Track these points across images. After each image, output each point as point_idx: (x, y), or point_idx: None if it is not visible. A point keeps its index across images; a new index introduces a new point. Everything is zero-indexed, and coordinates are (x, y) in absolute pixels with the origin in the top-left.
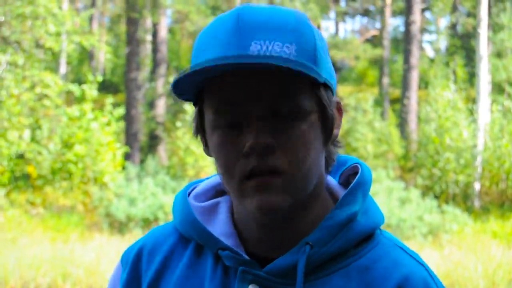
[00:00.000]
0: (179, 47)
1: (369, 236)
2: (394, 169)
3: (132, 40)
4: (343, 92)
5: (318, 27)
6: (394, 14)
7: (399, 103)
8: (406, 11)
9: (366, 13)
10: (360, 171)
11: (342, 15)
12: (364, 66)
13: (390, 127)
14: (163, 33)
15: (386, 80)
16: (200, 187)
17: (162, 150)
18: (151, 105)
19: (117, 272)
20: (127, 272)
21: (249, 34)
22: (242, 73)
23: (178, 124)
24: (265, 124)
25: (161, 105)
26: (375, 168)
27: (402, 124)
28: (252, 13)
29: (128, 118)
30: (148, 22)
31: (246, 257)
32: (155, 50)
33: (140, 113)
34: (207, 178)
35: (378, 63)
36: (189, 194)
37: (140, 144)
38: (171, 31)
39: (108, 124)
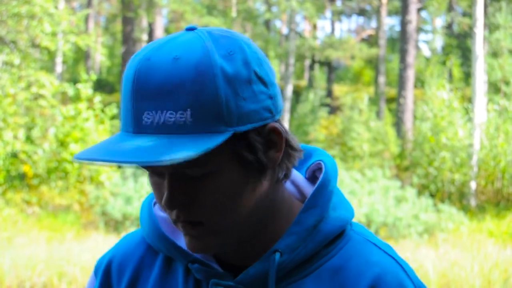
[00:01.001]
0: None
1: (341, 234)
2: (390, 168)
3: (128, 40)
4: (339, 91)
5: (314, 26)
6: (390, 13)
7: (395, 102)
8: (402, 11)
9: (362, 12)
10: (323, 168)
11: (338, 15)
12: (360, 65)
13: (386, 126)
14: (158, 32)
15: (382, 79)
16: None
17: None
18: None
19: (91, 282)
20: (99, 283)
21: (142, 102)
22: None
23: None
24: (179, 183)
25: None
26: (371, 167)
27: (398, 123)
28: (147, 76)
29: None
30: (144, 21)
31: (218, 268)
32: None
33: None
34: None
35: (374, 62)
36: (154, 204)
37: None
38: (166, 30)
39: (102, 122)
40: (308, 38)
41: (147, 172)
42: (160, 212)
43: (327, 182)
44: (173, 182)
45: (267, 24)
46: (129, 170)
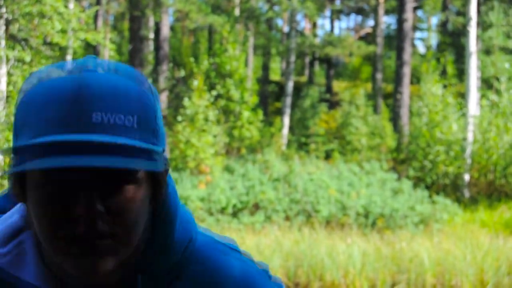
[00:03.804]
0: (181, 44)
1: (189, 241)
2: (387, 161)
3: (135, 38)
4: (338, 87)
5: (314, 24)
6: (387, 12)
7: (392, 98)
8: (398, 10)
9: (360, 11)
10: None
11: (337, 13)
12: (358, 62)
13: (383, 120)
14: (165, 31)
15: (379, 76)
16: None
17: None
18: None
19: None
20: None
21: (90, 106)
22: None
23: (179, 118)
24: (98, 188)
25: (163, 100)
26: (369, 160)
27: (394, 118)
28: (93, 82)
29: None
30: (151, 20)
31: None
32: (157, 47)
33: None
34: None
35: (371, 59)
36: None
37: None
38: (172, 29)
39: None
40: (308, 36)
41: (44, 189)
42: None
43: (171, 200)
44: (91, 189)
45: (269, 22)
46: None
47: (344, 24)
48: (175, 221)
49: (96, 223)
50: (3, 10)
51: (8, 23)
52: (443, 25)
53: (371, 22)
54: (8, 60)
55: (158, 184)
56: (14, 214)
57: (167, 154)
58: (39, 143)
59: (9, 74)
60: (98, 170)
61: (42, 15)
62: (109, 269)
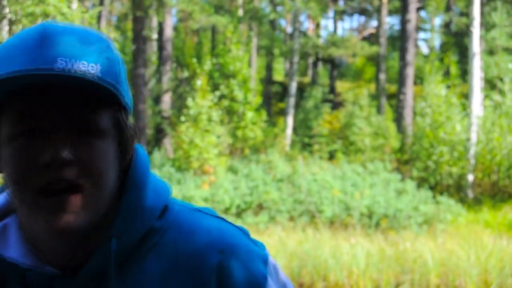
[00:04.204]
0: (184, 45)
1: (164, 210)
2: (390, 162)
3: (139, 38)
4: (342, 87)
5: (318, 25)
6: (391, 13)
7: (395, 98)
8: (402, 10)
9: (363, 12)
10: (134, 155)
11: (340, 14)
12: (362, 63)
13: (386, 121)
14: (168, 31)
15: (382, 76)
16: None
17: (167, 143)
18: (156, 100)
19: None
20: None
21: (55, 51)
22: (45, 87)
23: (182, 118)
24: (65, 138)
25: (167, 100)
26: (372, 161)
27: (398, 119)
28: (57, 31)
29: (135, 113)
30: (154, 20)
31: (55, 270)
32: (160, 47)
33: (147, 108)
34: None
35: (375, 60)
36: None
37: (147, 137)
38: (176, 29)
39: None
40: (311, 37)
41: (13, 142)
42: None
43: (139, 166)
44: (60, 136)
45: (272, 23)
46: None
47: (347, 25)
48: (145, 187)
49: (63, 170)
50: (6, 10)
51: (11, 23)
52: (446, 25)
53: (374, 23)
54: None
55: (125, 141)
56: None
57: (171, 154)
58: (3, 77)
59: None
60: (65, 118)
61: (45, 15)
62: (79, 223)
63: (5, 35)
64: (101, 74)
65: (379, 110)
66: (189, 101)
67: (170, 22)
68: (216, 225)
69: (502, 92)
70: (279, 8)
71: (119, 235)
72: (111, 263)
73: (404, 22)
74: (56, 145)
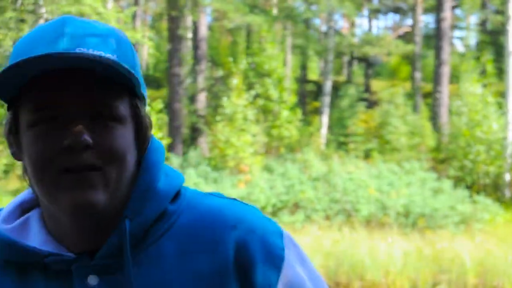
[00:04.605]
0: (219, 44)
1: (176, 194)
2: (426, 161)
3: (174, 37)
4: (377, 86)
5: (352, 24)
6: (426, 11)
7: (431, 97)
8: (437, 8)
9: (398, 10)
10: (150, 143)
11: (375, 12)
12: (397, 61)
13: (422, 120)
14: (203, 30)
15: (418, 75)
16: (4, 211)
17: (203, 142)
18: (192, 99)
19: None
20: None
21: (74, 40)
22: (66, 73)
23: (218, 117)
24: (84, 123)
25: (202, 99)
26: (408, 160)
27: (434, 118)
28: (76, 23)
29: (171, 112)
30: (189, 20)
31: (71, 255)
32: (195, 47)
33: (182, 107)
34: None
35: (410, 58)
36: None
37: (183, 136)
38: (210, 28)
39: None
40: (346, 36)
41: (34, 127)
42: (4, 225)
43: (154, 152)
44: (80, 121)
45: (307, 22)
46: (176, 162)
47: (382, 23)
48: (158, 171)
49: (84, 154)
50: (42, 10)
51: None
52: (482, 23)
53: (409, 21)
54: None
55: (142, 129)
56: (24, 194)
57: (207, 153)
58: (26, 59)
59: None
60: (86, 105)
61: (80, 15)
62: (100, 200)
63: None
64: (120, 60)
65: (414, 109)
66: (225, 100)
67: (205, 21)
68: (229, 204)
69: None
70: (313, 7)
71: (133, 215)
72: (126, 243)
73: (439, 21)
74: (77, 130)
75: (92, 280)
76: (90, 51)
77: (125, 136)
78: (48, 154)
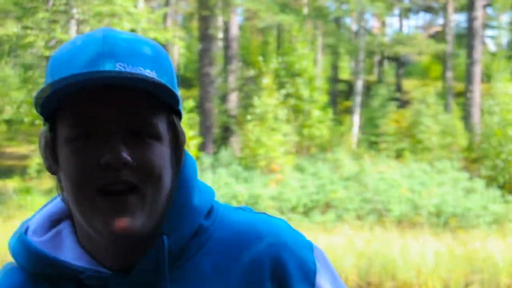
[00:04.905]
0: (250, 43)
1: (210, 210)
2: (458, 160)
3: (205, 37)
4: (408, 86)
5: (383, 23)
6: (457, 10)
7: (462, 97)
8: (468, 7)
9: (429, 9)
10: (184, 158)
11: (406, 12)
12: (428, 61)
13: (454, 119)
14: (234, 30)
15: (449, 74)
16: (34, 223)
17: (234, 141)
18: (223, 99)
19: None
20: None
21: (113, 56)
22: (105, 90)
23: (249, 117)
24: (124, 140)
25: (233, 99)
26: (440, 159)
27: (466, 117)
28: (116, 39)
29: (202, 111)
30: (220, 19)
31: (107, 271)
32: (226, 46)
33: (213, 106)
34: (35, 214)
35: (441, 58)
36: (25, 232)
37: (214, 136)
38: (242, 28)
39: None
40: (377, 35)
41: (72, 143)
42: (35, 239)
43: (189, 168)
44: (119, 138)
45: (338, 21)
46: (207, 162)
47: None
48: (193, 188)
49: (122, 172)
50: (74, 10)
51: (79, 23)
52: None
53: (440, 20)
54: None
55: (179, 146)
56: (52, 206)
57: (238, 152)
58: (66, 76)
59: None
60: (124, 122)
61: (112, 15)
62: (137, 226)
63: (73, 34)
64: (160, 78)
65: (446, 108)
66: (256, 100)
67: (236, 21)
68: (261, 219)
69: None
70: (344, 6)
71: (170, 232)
72: (164, 260)
73: (471, 20)
74: (115, 147)
75: None
76: (129, 68)
77: (162, 153)
78: (85, 170)
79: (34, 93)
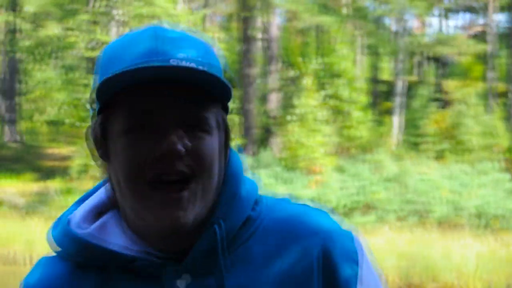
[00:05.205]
0: (289, 44)
1: (256, 201)
2: (500, 161)
3: (245, 38)
4: (449, 86)
5: (423, 23)
6: (498, 10)
7: (504, 97)
8: (510, 7)
9: (470, 9)
10: (230, 152)
11: (446, 12)
12: (469, 61)
13: (496, 120)
14: (274, 31)
15: (491, 75)
16: (77, 215)
17: (274, 142)
18: (263, 99)
19: None
20: None
21: (167, 50)
22: (158, 83)
23: (289, 118)
24: (178, 132)
25: (273, 99)
26: (481, 160)
27: (508, 118)
28: (168, 33)
29: (242, 112)
30: (259, 21)
31: (158, 260)
32: (267, 47)
33: (254, 107)
34: (73, 207)
35: (482, 58)
36: (68, 223)
37: (254, 137)
38: (281, 29)
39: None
40: (417, 35)
41: (128, 134)
42: (78, 230)
43: (236, 161)
44: (174, 130)
45: (378, 22)
46: (247, 163)
47: (453, 23)
48: (241, 179)
49: (176, 162)
50: (115, 12)
51: (119, 25)
52: None
53: (481, 20)
54: None
55: (227, 140)
56: (93, 200)
57: (278, 153)
58: (126, 70)
59: None
60: (178, 115)
61: (152, 16)
62: (189, 220)
63: (113, 36)
64: (212, 72)
65: (487, 109)
66: (296, 101)
67: (276, 22)
68: (305, 209)
69: None
70: (384, 7)
71: (221, 221)
72: (217, 247)
73: None
74: (170, 139)
75: (181, 283)
76: (183, 63)
77: (212, 146)
78: (140, 161)
79: (78, 94)
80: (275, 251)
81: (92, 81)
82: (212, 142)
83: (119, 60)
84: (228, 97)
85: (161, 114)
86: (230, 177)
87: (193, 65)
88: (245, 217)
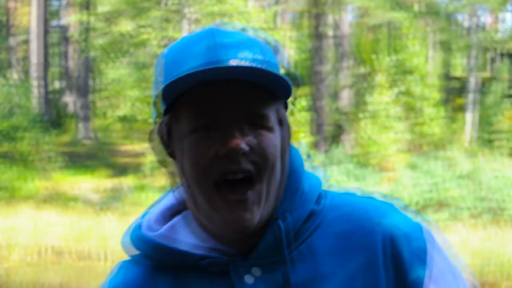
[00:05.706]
0: (361, 41)
1: (319, 196)
2: None
3: (315, 35)
4: None
5: (496, 19)
6: None
7: None
8: None
9: None
10: (291, 149)
11: None
12: None
13: None
14: (345, 28)
15: None
16: (146, 221)
17: (346, 139)
18: (335, 96)
19: None
20: None
21: (226, 51)
22: (221, 83)
23: (361, 115)
24: (242, 130)
25: (345, 96)
26: None
27: None
28: (225, 36)
29: (313, 109)
30: (330, 17)
31: (225, 257)
32: (338, 44)
33: (325, 104)
34: (143, 215)
35: None
36: (139, 227)
37: (325, 134)
38: (353, 26)
39: (291, 114)
40: (490, 31)
41: (194, 134)
42: (148, 232)
43: (297, 157)
44: (238, 128)
45: (450, 17)
46: (318, 160)
47: None
48: (303, 175)
49: (240, 160)
50: (186, 10)
51: (191, 22)
52: None
53: None
54: None
55: (288, 137)
56: (164, 204)
57: (350, 150)
58: (190, 73)
59: None
60: (241, 114)
61: (223, 14)
62: (255, 221)
63: (185, 33)
64: (270, 69)
65: None
66: (368, 97)
67: (347, 18)
68: (370, 201)
69: None
70: (456, 2)
71: (285, 216)
72: (282, 242)
73: None
74: (234, 137)
75: (249, 279)
76: (243, 63)
77: (274, 144)
78: (205, 160)
79: (150, 92)
80: (338, 245)
81: (154, 83)
82: (274, 140)
83: (182, 63)
84: (288, 94)
85: (225, 114)
86: (293, 172)
87: (252, 64)
88: (308, 210)
